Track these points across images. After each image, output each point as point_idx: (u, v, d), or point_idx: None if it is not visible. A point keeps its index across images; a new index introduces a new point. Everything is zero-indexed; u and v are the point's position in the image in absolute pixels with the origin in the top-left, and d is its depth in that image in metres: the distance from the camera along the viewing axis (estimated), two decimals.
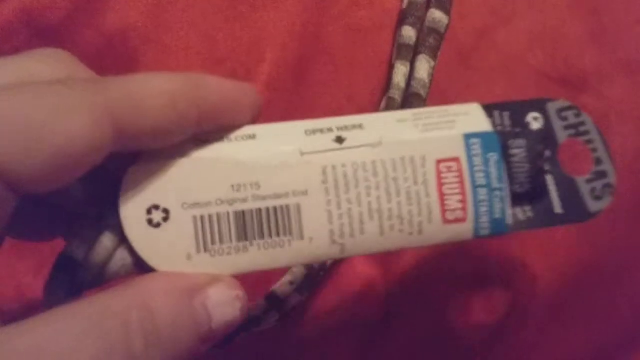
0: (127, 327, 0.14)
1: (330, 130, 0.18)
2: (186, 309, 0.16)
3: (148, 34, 0.28)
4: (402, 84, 0.27)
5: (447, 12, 0.28)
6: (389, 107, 0.27)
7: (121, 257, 0.17)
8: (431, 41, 0.28)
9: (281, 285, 0.27)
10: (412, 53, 0.28)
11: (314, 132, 0.18)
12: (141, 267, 0.17)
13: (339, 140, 0.18)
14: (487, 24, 0.30)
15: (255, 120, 0.18)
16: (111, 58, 0.28)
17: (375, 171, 0.18)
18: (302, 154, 0.17)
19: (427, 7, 0.28)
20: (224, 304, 0.16)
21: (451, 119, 0.19)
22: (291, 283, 0.27)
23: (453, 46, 0.29)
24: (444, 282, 0.29)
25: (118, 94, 0.15)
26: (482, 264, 0.29)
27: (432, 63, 0.27)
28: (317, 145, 0.18)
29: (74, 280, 0.16)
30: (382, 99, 0.29)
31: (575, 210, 0.19)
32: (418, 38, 0.28)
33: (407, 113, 0.19)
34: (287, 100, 0.29)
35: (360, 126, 0.18)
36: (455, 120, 0.19)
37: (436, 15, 0.28)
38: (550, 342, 0.29)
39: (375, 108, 0.29)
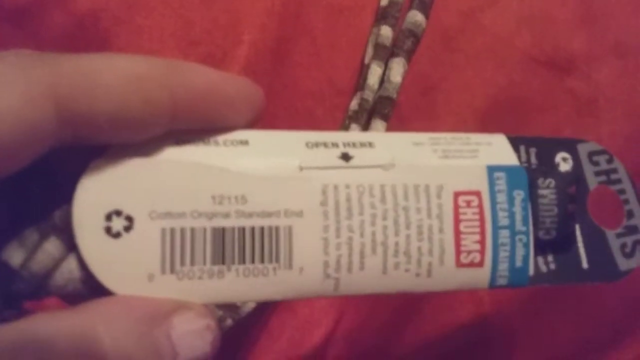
0: (54, 356, 0.12)
1: (335, 145, 0.16)
2: (145, 339, 0.13)
3: (120, 15, 0.27)
4: (376, 86, 0.27)
5: (427, 15, 0.27)
6: (362, 108, 0.26)
7: (68, 269, 0.14)
8: (409, 44, 0.27)
9: None
10: (388, 54, 0.27)
11: (316, 144, 0.16)
12: (90, 284, 0.14)
13: (345, 157, 0.16)
14: (472, 5, 0.29)
15: (254, 123, 0.16)
16: (82, 40, 0.27)
17: (384, 197, 0.15)
18: (301, 168, 0.15)
19: (409, 7, 0.27)
20: (192, 336, 0.14)
21: (473, 147, 0.17)
22: None
23: (437, 28, 0.28)
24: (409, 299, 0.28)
25: (67, 70, 0.13)
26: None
27: (407, 67, 0.27)
28: (319, 161, 0.15)
29: (8, 291, 0.14)
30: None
31: (604, 267, 0.17)
32: (394, 39, 0.27)
33: (423, 136, 0.17)
34: (266, 84, 0.28)
35: (370, 144, 0.16)
36: (478, 149, 0.17)
37: (417, 17, 0.27)
38: (537, 339, 0.28)
39: (355, 92, 0.28)
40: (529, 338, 0.28)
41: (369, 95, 0.27)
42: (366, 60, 0.28)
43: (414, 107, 0.28)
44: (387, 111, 0.26)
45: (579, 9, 0.29)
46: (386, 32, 0.27)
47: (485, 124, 0.28)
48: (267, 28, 0.28)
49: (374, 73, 0.27)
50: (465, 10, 0.29)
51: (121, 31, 0.27)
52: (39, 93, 0.12)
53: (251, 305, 0.26)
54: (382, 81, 0.27)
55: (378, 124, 0.26)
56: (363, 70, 0.27)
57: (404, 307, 0.28)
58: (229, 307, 0.26)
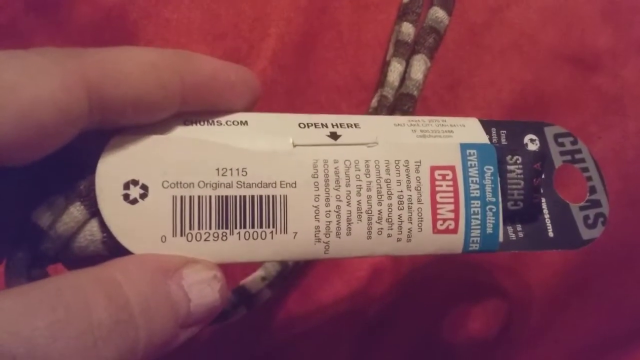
0: (88, 299, 0.13)
1: (324, 125, 0.17)
2: (161, 287, 0.15)
3: (148, 8, 0.27)
4: (396, 83, 0.27)
5: (450, 12, 0.27)
6: (381, 104, 0.27)
7: (90, 232, 0.16)
8: (430, 41, 0.27)
9: (252, 280, 0.26)
10: (409, 51, 0.27)
11: (308, 125, 0.17)
12: (110, 245, 0.16)
13: (334, 136, 0.17)
14: (499, 1, 0.29)
15: (251, 107, 0.18)
16: (109, 32, 0.27)
17: (368, 171, 0.17)
18: (295, 145, 0.17)
19: (430, 4, 0.27)
20: (202, 284, 0.15)
21: (448, 128, 0.18)
22: (263, 279, 0.26)
23: (464, 24, 0.28)
24: (439, 291, 0.29)
25: (95, 60, 0.14)
26: (478, 269, 0.28)
27: (429, 64, 0.27)
28: (310, 138, 0.17)
29: (36, 249, 0.16)
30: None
31: (568, 236, 0.19)
32: (416, 36, 0.27)
33: (404, 119, 0.18)
34: (292, 78, 0.28)
35: (356, 125, 0.18)
36: (452, 130, 0.18)
37: (439, 14, 0.27)
38: (558, 332, 0.28)
39: (376, 89, 0.28)
40: (550, 331, 0.29)
41: (388, 92, 0.27)
42: (387, 57, 0.28)
43: (440, 101, 0.28)
44: (408, 107, 0.26)
45: (604, 4, 0.29)
46: (407, 28, 0.27)
47: (510, 119, 0.28)
48: (293, 22, 0.28)
49: (395, 70, 0.27)
50: (491, 5, 0.29)
51: (148, 24, 0.27)
52: (73, 82, 0.14)
53: (267, 295, 0.26)
54: (403, 78, 0.27)
55: None
56: (384, 68, 0.27)
57: (433, 307, 0.28)
58: (244, 296, 0.26)
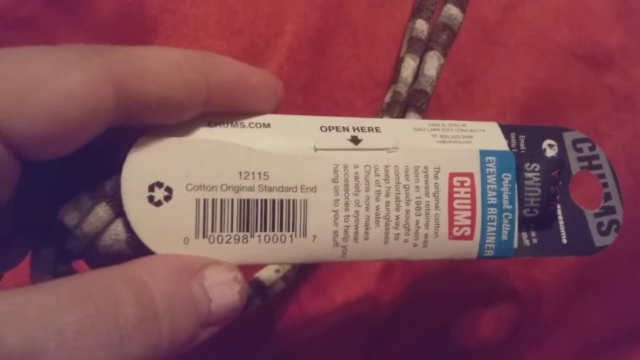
0: (117, 296, 0.13)
1: (346, 129, 0.18)
2: (184, 287, 0.15)
3: (166, 3, 0.27)
4: (410, 79, 0.27)
5: (463, 9, 0.28)
6: (394, 101, 0.27)
7: (115, 231, 0.16)
8: (444, 38, 0.27)
9: (267, 273, 0.27)
10: (422, 47, 0.27)
11: (329, 129, 0.17)
12: (134, 245, 0.16)
13: (355, 140, 0.17)
14: None
15: (274, 110, 0.18)
16: (128, 27, 0.27)
17: (387, 176, 0.17)
18: (316, 149, 0.17)
19: (444, 2, 0.28)
20: (222, 285, 0.16)
21: (468, 134, 0.18)
22: (277, 271, 0.27)
23: (477, 21, 0.28)
24: (449, 291, 0.29)
25: (120, 57, 0.14)
26: (486, 264, 0.29)
27: (442, 60, 0.27)
28: (331, 142, 0.17)
29: (62, 247, 0.16)
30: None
31: (581, 243, 0.19)
32: (430, 33, 0.27)
33: (424, 123, 0.18)
34: (307, 74, 0.28)
35: (377, 129, 0.18)
36: (472, 136, 0.18)
37: (452, 11, 0.27)
38: (568, 327, 0.29)
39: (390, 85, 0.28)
40: (560, 326, 0.29)
41: (402, 88, 0.27)
42: (401, 54, 0.28)
43: (454, 98, 0.28)
44: (421, 104, 0.26)
45: (616, 3, 0.29)
46: (421, 25, 0.27)
47: (523, 117, 0.28)
48: (309, 18, 0.28)
49: (408, 66, 0.27)
50: (504, 3, 0.29)
51: (166, 20, 0.27)
52: (101, 77, 0.14)
53: (280, 287, 0.27)
54: (416, 75, 0.27)
55: (412, 116, 0.26)
56: (397, 64, 0.28)
57: (441, 311, 0.29)
58: (258, 288, 0.26)
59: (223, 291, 0.16)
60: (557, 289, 0.28)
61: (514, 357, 0.29)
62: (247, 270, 0.27)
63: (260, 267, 0.27)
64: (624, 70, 0.29)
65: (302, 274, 0.28)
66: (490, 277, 0.29)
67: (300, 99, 0.28)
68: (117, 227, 0.16)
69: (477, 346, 0.29)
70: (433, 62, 0.27)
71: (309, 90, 0.28)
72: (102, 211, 0.16)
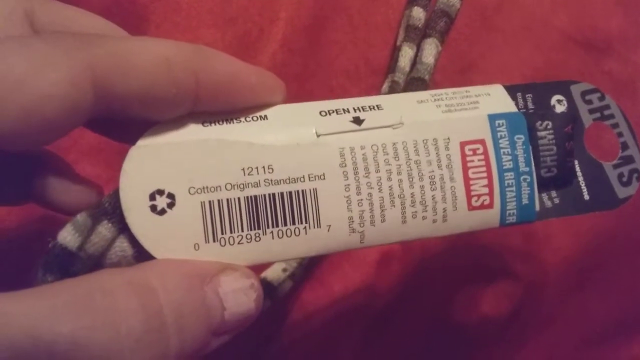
0: (118, 305, 0.13)
1: (346, 110, 0.17)
2: (196, 294, 0.14)
3: None
4: (407, 68, 0.26)
5: None
6: (392, 90, 0.26)
7: (121, 248, 0.15)
8: (442, 25, 0.26)
9: (274, 272, 0.26)
10: (420, 35, 0.27)
11: (329, 112, 0.17)
12: (143, 259, 0.15)
13: (357, 121, 0.17)
14: None
15: None
16: (119, 16, 0.27)
17: (396, 153, 0.17)
18: (318, 135, 0.16)
19: None
20: (238, 293, 0.15)
21: (474, 99, 0.18)
22: (284, 270, 0.26)
23: (475, 7, 0.28)
24: (450, 275, 0.29)
25: (104, 51, 0.14)
26: (489, 253, 0.28)
27: (440, 48, 0.26)
28: (333, 126, 0.16)
29: (67, 272, 0.15)
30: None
31: (604, 197, 0.18)
32: (427, 20, 0.27)
33: (426, 94, 0.18)
34: (302, 61, 0.28)
35: (378, 107, 0.17)
36: (478, 101, 0.18)
37: None
38: (569, 318, 0.28)
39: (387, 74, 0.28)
40: (560, 317, 0.29)
41: (399, 77, 0.26)
42: (398, 42, 0.27)
43: (452, 85, 0.27)
44: None
45: None
46: (418, 13, 0.27)
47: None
48: (303, 5, 0.28)
49: (405, 55, 0.26)
50: None
51: (158, 8, 0.27)
52: (80, 74, 0.13)
53: (288, 286, 0.26)
54: (414, 63, 0.27)
55: None
56: (394, 53, 0.27)
57: (443, 291, 0.28)
58: (267, 289, 0.26)
59: (238, 299, 0.15)
60: (558, 278, 0.28)
61: (515, 347, 0.29)
62: (254, 270, 0.26)
63: (266, 267, 0.27)
64: (623, 56, 0.29)
65: (309, 270, 0.28)
66: (493, 272, 0.29)
67: (295, 87, 0.27)
68: (122, 243, 0.15)
69: (477, 334, 0.29)
70: (431, 50, 0.26)
71: (303, 78, 0.28)
72: (104, 229, 0.15)
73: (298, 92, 0.27)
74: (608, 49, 0.29)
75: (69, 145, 0.26)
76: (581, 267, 0.28)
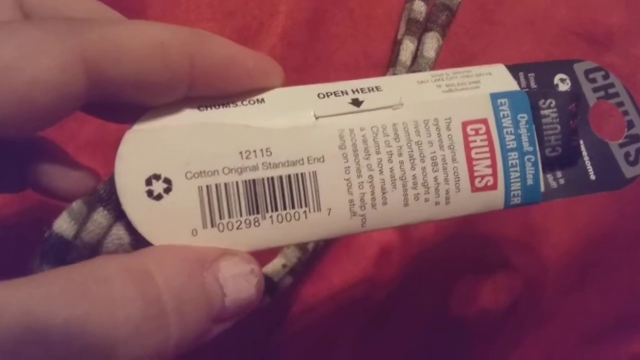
0: (115, 292, 0.13)
1: (345, 92, 0.17)
2: (196, 279, 0.14)
3: None
4: (408, 62, 0.26)
5: None
6: None
7: (117, 235, 0.15)
8: (443, 18, 0.26)
9: (273, 268, 0.26)
10: (421, 29, 0.26)
11: (327, 94, 0.17)
12: (140, 247, 0.15)
13: (356, 102, 0.16)
14: None
15: None
16: (116, 8, 0.26)
17: (397, 135, 0.16)
18: (317, 117, 0.16)
19: None
20: (238, 278, 0.15)
21: (475, 79, 0.17)
22: (284, 266, 0.26)
23: (476, 0, 0.28)
24: (449, 268, 0.29)
25: (96, 36, 0.13)
26: (488, 246, 0.28)
27: (441, 42, 0.26)
28: (332, 108, 0.16)
29: (63, 260, 0.15)
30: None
31: (611, 177, 0.18)
32: (428, 13, 0.27)
33: (426, 75, 0.18)
34: (301, 55, 0.27)
35: (377, 88, 0.17)
36: (479, 81, 0.17)
37: None
38: (567, 315, 0.28)
39: (388, 68, 0.28)
40: (560, 313, 0.28)
41: (401, 71, 0.26)
42: (399, 36, 0.27)
43: None
44: None
45: None
46: (419, 6, 0.27)
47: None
48: None
49: (406, 49, 0.26)
50: None
51: (157, 1, 0.27)
52: (72, 60, 0.13)
53: (288, 281, 0.26)
54: (415, 56, 0.27)
55: None
56: (395, 47, 0.27)
57: (443, 285, 0.28)
58: (267, 285, 0.26)
59: (239, 284, 0.15)
60: (558, 274, 0.28)
61: (513, 342, 0.29)
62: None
63: (266, 263, 0.27)
64: (624, 50, 0.28)
65: (309, 265, 0.28)
66: (492, 265, 0.29)
67: (295, 80, 0.27)
68: (119, 230, 0.15)
69: (476, 327, 0.29)
70: (432, 44, 0.26)
71: (303, 72, 0.27)
72: (99, 217, 0.15)
73: (297, 85, 0.27)
74: (609, 42, 0.28)
75: (66, 140, 0.25)
76: (581, 262, 0.28)
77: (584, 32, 0.28)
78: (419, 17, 0.26)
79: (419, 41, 0.26)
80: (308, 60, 0.28)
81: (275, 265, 0.26)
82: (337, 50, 0.28)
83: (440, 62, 0.27)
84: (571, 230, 0.27)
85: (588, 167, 0.18)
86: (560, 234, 0.28)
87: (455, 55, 0.28)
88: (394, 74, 0.26)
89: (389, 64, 0.27)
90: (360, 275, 0.28)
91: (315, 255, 0.27)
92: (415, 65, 0.26)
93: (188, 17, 0.27)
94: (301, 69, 0.27)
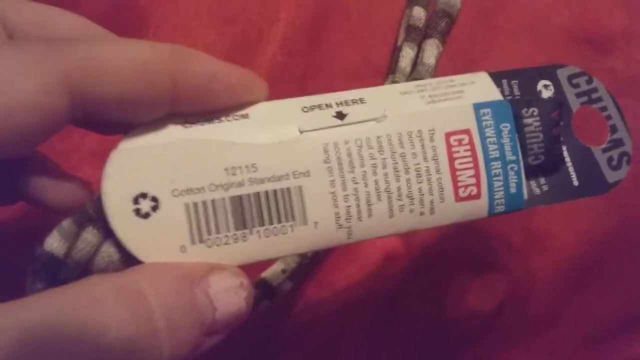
0: (106, 311, 0.13)
1: (329, 105, 0.17)
2: (187, 296, 0.14)
3: None
4: (408, 69, 0.26)
5: None
6: None
7: (107, 253, 0.15)
8: (443, 25, 0.26)
9: (273, 273, 0.26)
10: (420, 35, 0.26)
11: (311, 108, 0.17)
12: (130, 263, 0.15)
13: (340, 115, 0.17)
14: None
15: None
16: (119, 16, 0.27)
17: (381, 147, 0.16)
18: (301, 131, 0.16)
19: None
20: (228, 292, 0.15)
21: (458, 89, 0.18)
22: (284, 271, 0.26)
23: (476, 5, 0.28)
24: (452, 273, 0.29)
25: (78, 56, 0.14)
26: (492, 251, 0.28)
27: (441, 48, 0.26)
28: (316, 122, 0.16)
29: (55, 278, 0.15)
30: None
31: (594, 182, 0.18)
32: (428, 20, 0.27)
33: (410, 85, 0.18)
34: (302, 63, 0.28)
35: (361, 100, 0.17)
36: (462, 90, 0.18)
37: None
38: (572, 315, 0.28)
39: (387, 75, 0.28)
40: (564, 314, 0.28)
41: (400, 78, 0.26)
42: (398, 43, 0.27)
43: None
44: None
45: None
46: (418, 13, 0.27)
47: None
48: (303, 6, 0.27)
49: (406, 55, 0.26)
50: None
51: (157, 9, 0.27)
52: (54, 81, 0.13)
53: (287, 286, 0.26)
54: (415, 63, 0.26)
55: None
56: (395, 53, 0.27)
57: (445, 289, 0.28)
58: (266, 289, 0.26)
59: (229, 298, 0.15)
60: (561, 276, 0.28)
61: (516, 344, 0.29)
62: (252, 271, 0.26)
63: (265, 268, 0.27)
64: (626, 53, 0.28)
65: (309, 271, 0.28)
66: (494, 269, 0.28)
67: (296, 89, 0.27)
68: (109, 248, 0.15)
69: (480, 332, 0.29)
70: (432, 51, 0.26)
71: (303, 80, 0.27)
72: (89, 235, 0.15)
73: (298, 94, 0.27)
74: (611, 46, 0.28)
75: (70, 151, 0.26)
76: (583, 265, 0.28)
77: (585, 36, 0.28)
78: (419, 24, 0.26)
79: (419, 48, 0.26)
80: (309, 68, 0.28)
81: (274, 271, 0.26)
82: (338, 57, 0.28)
83: (441, 69, 0.27)
84: (574, 234, 0.27)
85: (571, 173, 0.18)
86: (563, 237, 0.28)
87: (456, 61, 0.28)
88: (394, 81, 0.26)
89: (388, 71, 0.27)
90: (363, 280, 0.28)
91: (315, 260, 0.27)
92: (415, 73, 0.26)
93: (188, 25, 0.27)
94: (302, 78, 0.27)
